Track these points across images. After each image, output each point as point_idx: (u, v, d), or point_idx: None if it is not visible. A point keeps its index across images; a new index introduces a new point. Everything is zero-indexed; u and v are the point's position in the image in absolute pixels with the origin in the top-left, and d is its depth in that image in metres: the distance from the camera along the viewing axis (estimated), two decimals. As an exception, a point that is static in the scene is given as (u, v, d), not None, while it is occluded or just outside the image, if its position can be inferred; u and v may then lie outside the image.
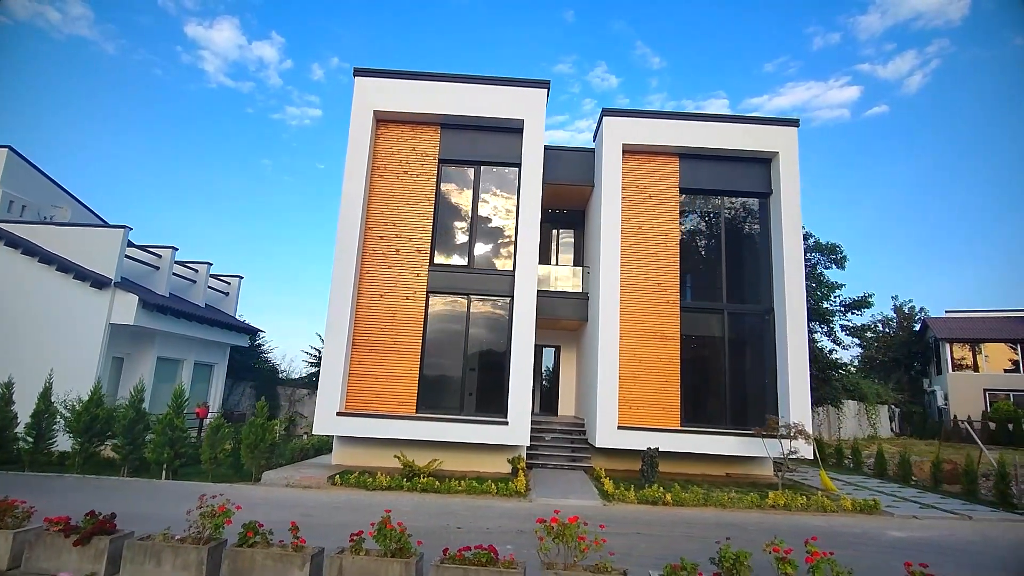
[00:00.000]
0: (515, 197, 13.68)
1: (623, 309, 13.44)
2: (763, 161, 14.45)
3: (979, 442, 14.24)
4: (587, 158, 15.50)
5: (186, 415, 11.61)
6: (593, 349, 13.77)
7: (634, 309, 13.60)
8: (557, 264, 17.13)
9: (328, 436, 13.68)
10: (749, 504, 10.32)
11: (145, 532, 5.65)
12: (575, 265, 16.73)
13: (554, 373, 17.82)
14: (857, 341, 29.29)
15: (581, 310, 15.03)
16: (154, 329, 15.66)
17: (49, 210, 17.70)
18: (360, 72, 13.70)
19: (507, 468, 12.31)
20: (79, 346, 14.09)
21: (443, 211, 13.74)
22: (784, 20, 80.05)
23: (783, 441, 11.83)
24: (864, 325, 30.24)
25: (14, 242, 14.45)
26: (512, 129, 13.79)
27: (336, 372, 12.32)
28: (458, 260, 13.58)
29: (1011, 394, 28.46)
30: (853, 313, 24.89)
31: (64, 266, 14.33)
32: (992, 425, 26.03)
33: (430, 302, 13.16)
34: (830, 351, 24.44)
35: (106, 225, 17.32)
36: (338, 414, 12.19)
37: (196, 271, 19.12)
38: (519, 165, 13.58)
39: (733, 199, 14.81)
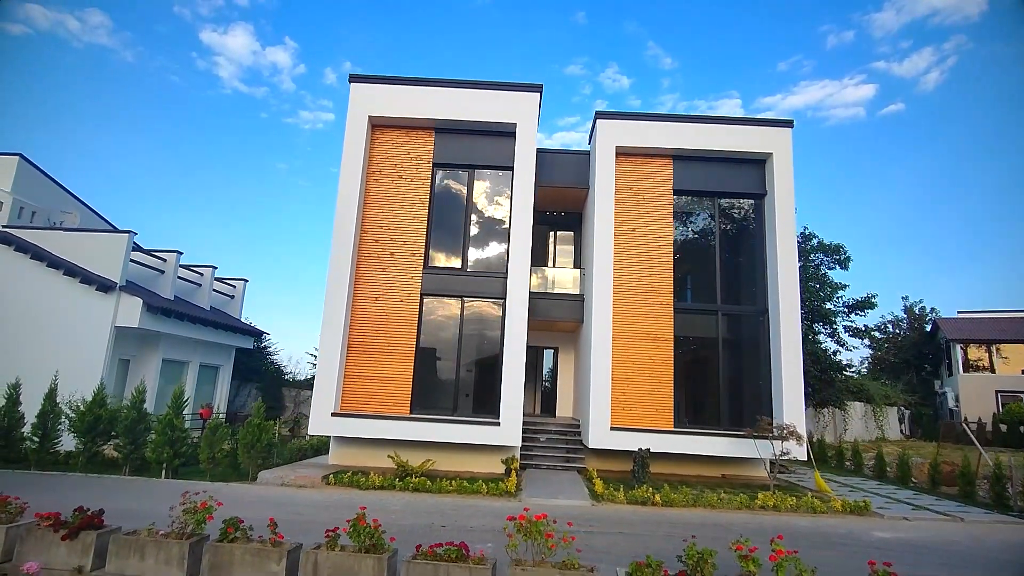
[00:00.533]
0: (508, 200, 13.83)
1: (616, 311, 13.52)
2: (757, 162, 14.43)
3: (976, 444, 14.06)
4: (582, 161, 15.59)
5: (189, 416, 11.87)
6: (587, 350, 13.85)
7: (627, 311, 13.66)
8: (555, 266, 17.23)
9: (326, 437, 13.90)
10: (738, 505, 10.35)
11: (136, 528, 5.86)
12: (573, 267, 16.82)
13: (553, 374, 17.91)
14: (861, 342, 29.03)
15: (577, 312, 15.12)
16: (159, 332, 16.02)
17: (58, 215, 18.18)
18: (355, 79, 13.95)
19: (501, 468, 12.43)
20: (84, 348, 14.46)
21: (437, 214, 13.91)
22: (797, 19, 79.51)
23: (775, 442, 11.82)
24: (870, 326, 29.96)
25: (23, 247, 14.87)
26: (505, 133, 13.94)
27: (331, 373, 12.53)
28: (452, 263, 13.75)
29: (1023, 396, 28.00)
30: (857, 314, 24.69)
31: (71, 270, 14.73)
32: (1003, 427, 25.64)
33: (424, 304, 13.34)
34: (834, 352, 24.24)
35: (112, 230, 17.74)
36: (333, 415, 12.40)
37: (201, 274, 19.49)
38: (512, 168, 13.73)
39: (727, 200, 14.82)
